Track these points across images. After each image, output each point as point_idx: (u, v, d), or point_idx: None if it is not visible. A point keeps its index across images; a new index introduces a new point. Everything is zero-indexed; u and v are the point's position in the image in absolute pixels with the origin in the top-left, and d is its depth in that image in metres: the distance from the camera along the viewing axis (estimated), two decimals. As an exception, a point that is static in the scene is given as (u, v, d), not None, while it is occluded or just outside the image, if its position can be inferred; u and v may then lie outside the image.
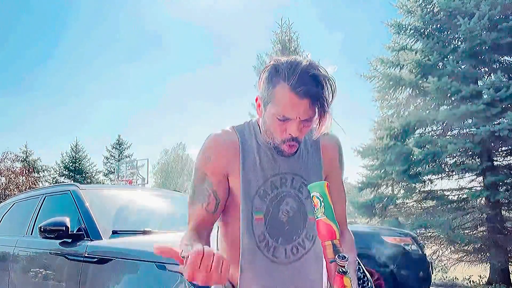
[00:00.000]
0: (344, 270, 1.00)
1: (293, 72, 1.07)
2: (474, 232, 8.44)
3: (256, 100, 1.20)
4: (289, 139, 1.15)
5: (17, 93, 46.06)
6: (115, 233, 2.87)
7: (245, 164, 1.23)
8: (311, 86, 1.06)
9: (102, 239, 2.80)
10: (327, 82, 1.09)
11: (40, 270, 3.20)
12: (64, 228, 2.86)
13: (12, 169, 21.47)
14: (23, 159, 28.26)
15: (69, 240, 2.91)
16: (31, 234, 3.59)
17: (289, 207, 1.25)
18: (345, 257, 0.99)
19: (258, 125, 1.27)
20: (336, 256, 0.99)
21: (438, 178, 8.87)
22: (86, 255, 2.72)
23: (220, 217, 1.30)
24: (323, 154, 1.32)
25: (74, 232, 2.91)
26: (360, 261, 3.36)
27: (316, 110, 1.09)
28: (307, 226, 1.28)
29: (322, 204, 1.03)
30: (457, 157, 8.50)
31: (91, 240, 2.82)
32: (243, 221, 1.21)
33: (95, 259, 2.66)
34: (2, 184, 20.42)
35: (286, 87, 1.07)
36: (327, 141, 1.34)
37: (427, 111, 8.60)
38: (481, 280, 8.23)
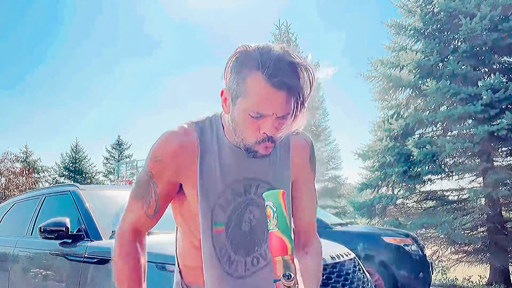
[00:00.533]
0: None
1: (268, 59, 0.91)
2: (474, 232, 8.44)
3: (222, 93, 1.02)
4: (264, 139, 0.98)
5: (17, 93, 46.08)
6: (115, 233, 2.87)
7: (203, 171, 1.07)
8: (289, 76, 0.91)
9: (102, 239, 2.81)
10: (305, 71, 0.94)
11: (40, 270, 3.20)
12: (64, 229, 2.86)
13: (12, 169, 21.47)
14: (23, 160, 28.28)
15: (69, 241, 2.91)
16: (31, 235, 3.59)
17: (252, 215, 1.13)
18: (290, 277, 0.90)
19: (221, 121, 1.11)
20: (281, 275, 0.90)
21: (438, 179, 8.88)
22: (86, 255, 2.72)
23: (178, 224, 1.20)
24: (293, 155, 1.17)
25: (74, 232, 2.91)
26: (360, 262, 3.36)
27: (293, 105, 0.93)
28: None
29: (275, 215, 0.93)
30: (456, 157, 8.51)
31: (91, 240, 2.82)
32: (202, 234, 1.09)
33: (95, 260, 2.66)
34: (2, 184, 20.42)
35: (261, 77, 0.91)
36: (298, 141, 1.18)
37: (427, 112, 8.61)
38: (481, 281, 8.23)
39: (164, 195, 1.11)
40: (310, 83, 0.95)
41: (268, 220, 0.95)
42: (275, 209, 0.94)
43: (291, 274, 0.90)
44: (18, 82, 46.84)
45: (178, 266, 1.23)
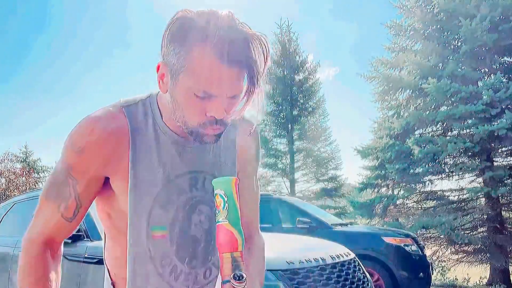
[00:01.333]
0: None
1: (215, 29, 0.75)
2: (474, 232, 8.44)
3: (158, 68, 0.84)
4: (211, 121, 0.82)
5: (17, 94, 46.10)
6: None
7: (136, 162, 0.88)
8: (241, 50, 0.76)
9: (102, 239, 2.81)
10: (258, 43, 0.79)
11: (40, 270, 3.20)
12: (64, 229, 2.86)
13: (12, 169, 21.47)
14: (23, 160, 28.28)
15: (69, 241, 2.91)
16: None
17: (203, 216, 0.95)
18: (242, 277, 0.78)
19: (158, 104, 0.93)
20: (232, 275, 0.78)
21: (438, 179, 8.88)
22: (86, 255, 2.72)
23: (105, 226, 1.02)
24: (239, 144, 1.03)
25: (74, 233, 2.91)
26: (360, 262, 3.36)
27: (247, 83, 0.79)
28: None
29: (226, 205, 0.82)
30: (456, 157, 8.51)
31: (91, 240, 2.82)
32: (133, 242, 0.89)
33: (95, 260, 2.66)
34: (2, 184, 20.42)
35: (209, 51, 0.75)
36: (244, 128, 1.03)
37: (427, 112, 8.61)
38: (481, 281, 8.23)
39: (87, 193, 0.91)
40: (264, 57, 0.80)
41: (217, 211, 0.83)
42: (226, 199, 0.82)
43: (242, 274, 0.78)
44: (18, 83, 46.85)
45: (110, 277, 1.03)
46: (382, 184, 9.45)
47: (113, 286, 1.01)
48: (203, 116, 0.82)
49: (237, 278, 0.78)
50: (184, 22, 0.78)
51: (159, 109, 0.92)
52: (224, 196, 0.82)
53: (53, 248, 0.96)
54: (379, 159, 9.17)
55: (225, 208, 0.82)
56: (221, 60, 0.75)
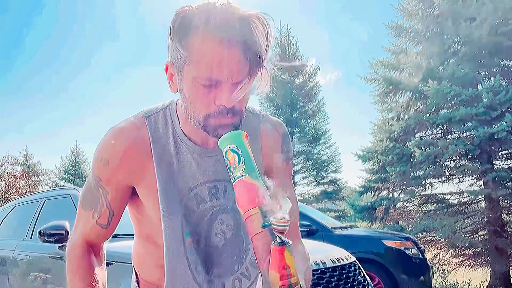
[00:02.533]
0: (284, 240, 0.64)
1: (213, 14, 0.75)
2: (474, 236, 8.42)
3: (167, 69, 0.84)
4: (222, 112, 0.79)
5: (17, 96, 46.12)
6: (114, 236, 2.86)
7: (159, 171, 0.90)
8: (240, 30, 0.75)
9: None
10: (258, 22, 0.77)
11: (40, 274, 3.19)
12: (63, 232, 2.86)
13: (12, 172, 21.45)
14: (23, 163, 28.26)
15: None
16: (31, 238, 3.58)
17: (225, 226, 0.94)
18: (285, 219, 0.64)
19: (176, 111, 0.94)
20: (271, 220, 0.65)
21: (438, 182, 8.87)
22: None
23: (136, 228, 1.04)
24: (263, 144, 0.98)
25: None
26: (360, 265, 3.35)
27: (250, 64, 0.76)
28: (251, 249, 0.95)
29: (242, 158, 0.72)
30: (457, 160, 8.50)
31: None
32: (169, 246, 0.90)
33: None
34: (2, 187, 20.41)
35: (206, 34, 0.74)
36: (267, 127, 0.99)
37: (428, 114, 8.62)
38: (482, 284, 8.21)
39: (117, 201, 0.94)
40: (266, 35, 0.77)
41: (232, 167, 0.74)
42: (240, 152, 0.73)
43: (286, 216, 0.65)
44: (19, 86, 46.88)
45: (136, 275, 1.08)
46: (382, 187, 9.44)
47: (138, 284, 1.07)
48: (212, 106, 0.79)
49: (280, 219, 0.65)
50: (183, 17, 0.78)
51: (178, 117, 0.93)
52: (237, 150, 0.74)
53: (95, 249, 1.01)
54: (380, 163, 9.16)
55: (241, 162, 0.73)
56: (219, 43, 0.74)
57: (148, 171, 0.90)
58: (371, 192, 9.62)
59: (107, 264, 2.75)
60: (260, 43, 0.76)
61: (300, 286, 0.64)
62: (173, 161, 0.91)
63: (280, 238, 0.64)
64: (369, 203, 9.34)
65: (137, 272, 1.07)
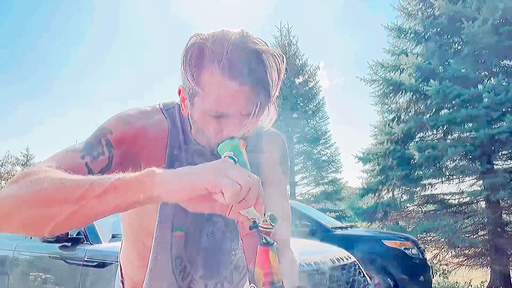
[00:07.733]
0: (269, 241, 0.69)
1: (224, 48, 0.76)
2: (474, 236, 8.42)
3: (180, 92, 0.86)
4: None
5: (18, 96, 46.15)
6: (114, 236, 2.87)
7: (169, 161, 0.91)
8: (251, 67, 0.76)
9: (101, 243, 2.80)
10: (271, 58, 0.79)
11: (40, 274, 3.19)
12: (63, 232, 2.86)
13: (12, 172, 21.46)
14: (24, 163, 28.28)
15: (69, 244, 2.91)
16: (31, 238, 3.59)
17: (215, 228, 0.96)
18: (273, 219, 0.70)
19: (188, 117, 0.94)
20: (259, 219, 0.70)
21: (438, 182, 8.87)
22: (85, 259, 2.72)
23: (123, 223, 1.02)
24: (263, 155, 1.01)
25: (74, 236, 2.91)
26: (360, 265, 3.35)
27: (259, 100, 0.78)
28: (237, 254, 0.98)
29: (237, 164, 0.75)
30: (457, 160, 8.50)
31: (91, 244, 2.82)
32: (157, 237, 0.91)
33: (95, 263, 2.65)
34: (2, 188, 20.44)
35: (217, 71, 0.76)
36: (268, 139, 1.02)
37: (428, 115, 8.61)
38: (482, 285, 8.21)
39: (117, 165, 0.83)
40: (277, 71, 0.79)
41: None
42: (236, 159, 0.76)
43: (274, 215, 0.71)
44: (19, 87, 46.93)
45: (121, 275, 1.07)
46: (382, 189, 9.43)
47: (122, 284, 1.06)
48: (220, 135, 0.81)
49: (268, 220, 0.70)
50: (196, 47, 0.78)
51: (189, 119, 0.92)
52: (234, 157, 0.77)
53: None
54: (380, 165, 9.15)
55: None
56: (230, 79, 0.75)
57: (159, 157, 0.90)
58: (372, 194, 9.61)
59: (107, 264, 2.75)
60: (271, 81, 0.79)
61: (282, 282, 0.68)
62: (182, 159, 0.92)
63: (265, 239, 0.69)
64: (369, 204, 9.34)
65: (122, 271, 1.07)
